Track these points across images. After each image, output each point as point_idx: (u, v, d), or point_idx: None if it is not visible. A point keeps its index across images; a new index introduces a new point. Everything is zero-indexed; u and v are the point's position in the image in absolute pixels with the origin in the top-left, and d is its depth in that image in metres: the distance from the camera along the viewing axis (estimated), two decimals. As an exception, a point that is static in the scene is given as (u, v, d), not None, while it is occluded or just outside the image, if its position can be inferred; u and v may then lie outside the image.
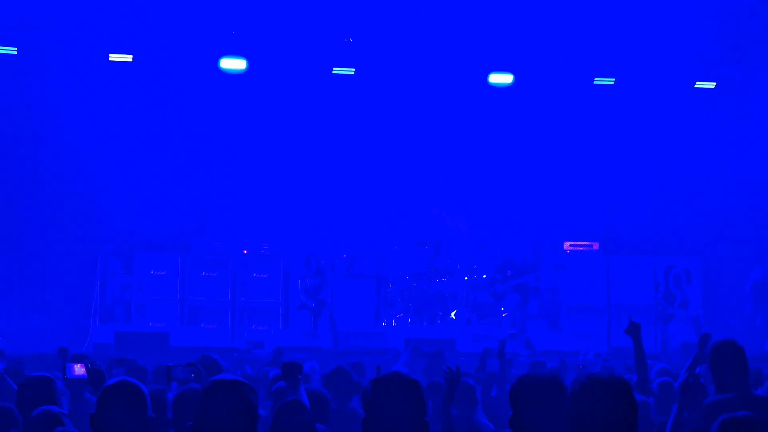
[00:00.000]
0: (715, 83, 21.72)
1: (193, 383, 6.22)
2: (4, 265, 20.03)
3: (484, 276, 19.33)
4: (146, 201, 20.67)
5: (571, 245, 20.17)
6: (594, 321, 19.58)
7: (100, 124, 20.45)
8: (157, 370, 9.92)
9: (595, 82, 21.70)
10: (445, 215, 22.48)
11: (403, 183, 22.54)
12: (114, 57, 20.22)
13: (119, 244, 18.79)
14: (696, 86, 21.88)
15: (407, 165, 22.59)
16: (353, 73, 20.93)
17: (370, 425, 3.99)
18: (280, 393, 6.96)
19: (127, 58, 20.26)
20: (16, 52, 19.90)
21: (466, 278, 19.62)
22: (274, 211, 21.67)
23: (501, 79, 21.34)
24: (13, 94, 20.21)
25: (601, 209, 22.79)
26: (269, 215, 21.49)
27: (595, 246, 20.28)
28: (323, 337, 16.44)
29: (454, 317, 19.26)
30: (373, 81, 21.34)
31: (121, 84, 20.41)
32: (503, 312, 19.03)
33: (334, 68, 20.85)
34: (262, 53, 20.77)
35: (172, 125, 21.10)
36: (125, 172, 20.79)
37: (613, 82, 21.70)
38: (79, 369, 6.44)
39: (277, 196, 21.98)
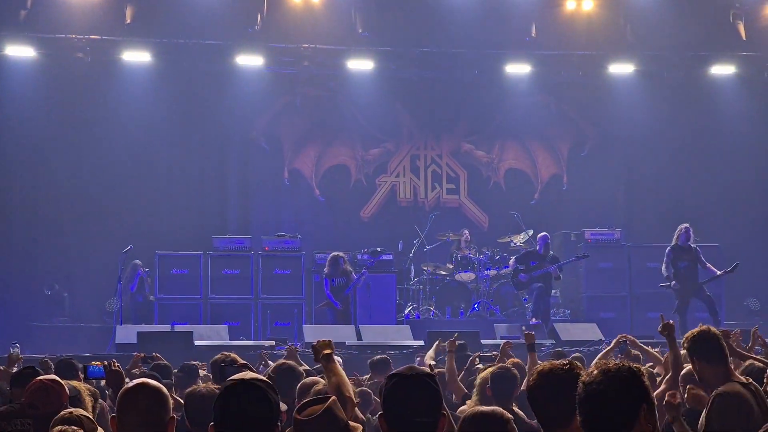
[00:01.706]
0: (734, 68, 21.58)
1: None
2: (27, 267, 20.10)
3: (507, 267, 19.27)
4: (166, 200, 20.70)
5: (592, 234, 20.07)
6: (617, 309, 19.50)
7: (117, 124, 20.48)
8: (182, 368, 9.94)
9: (610, 70, 21.63)
10: (466, 207, 22.44)
11: (420, 176, 22.53)
12: (129, 56, 20.25)
13: (140, 244, 18.78)
14: (713, 71, 21.76)
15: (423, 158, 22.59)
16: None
17: (387, 419, 3.97)
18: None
19: (144, 57, 20.29)
20: (35, 55, 19.98)
21: (487, 270, 19.57)
22: (294, 207, 21.68)
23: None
24: (33, 97, 20.28)
25: (623, 197, 22.69)
26: (289, 211, 21.51)
27: (617, 234, 20.17)
28: (347, 333, 16.41)
29: (477, 309, 19.23)
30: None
31: (137, 84, 20.42)
32: (526, 303, 18.98)
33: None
34: (278, 51, 20.79)
35: (190, 123, 21.14)
36: (144, 171, 20.82)
37: (632, 70, 21.60)
38: (97, 368, 6.44)
39: (298, 192, 21.98)
